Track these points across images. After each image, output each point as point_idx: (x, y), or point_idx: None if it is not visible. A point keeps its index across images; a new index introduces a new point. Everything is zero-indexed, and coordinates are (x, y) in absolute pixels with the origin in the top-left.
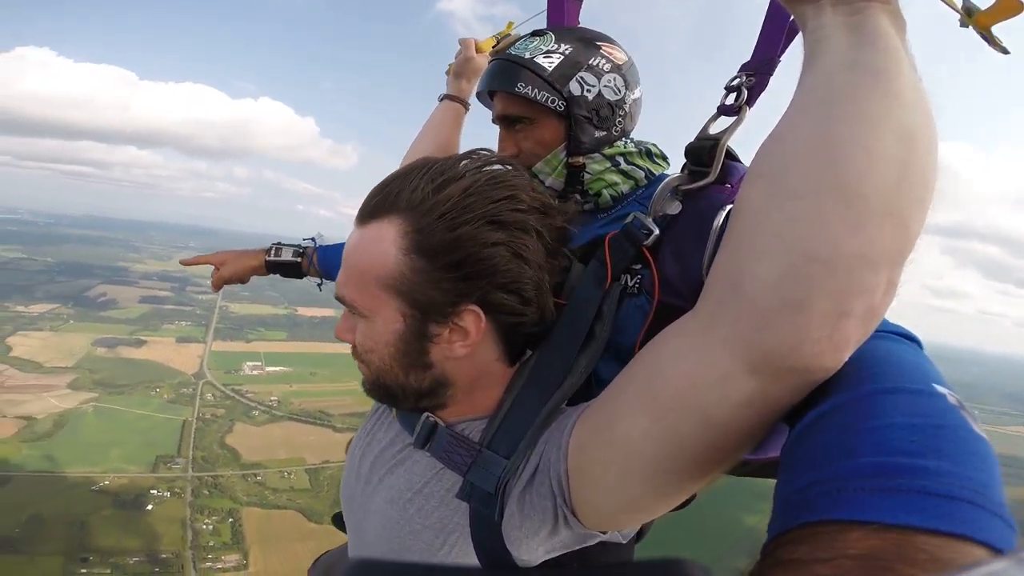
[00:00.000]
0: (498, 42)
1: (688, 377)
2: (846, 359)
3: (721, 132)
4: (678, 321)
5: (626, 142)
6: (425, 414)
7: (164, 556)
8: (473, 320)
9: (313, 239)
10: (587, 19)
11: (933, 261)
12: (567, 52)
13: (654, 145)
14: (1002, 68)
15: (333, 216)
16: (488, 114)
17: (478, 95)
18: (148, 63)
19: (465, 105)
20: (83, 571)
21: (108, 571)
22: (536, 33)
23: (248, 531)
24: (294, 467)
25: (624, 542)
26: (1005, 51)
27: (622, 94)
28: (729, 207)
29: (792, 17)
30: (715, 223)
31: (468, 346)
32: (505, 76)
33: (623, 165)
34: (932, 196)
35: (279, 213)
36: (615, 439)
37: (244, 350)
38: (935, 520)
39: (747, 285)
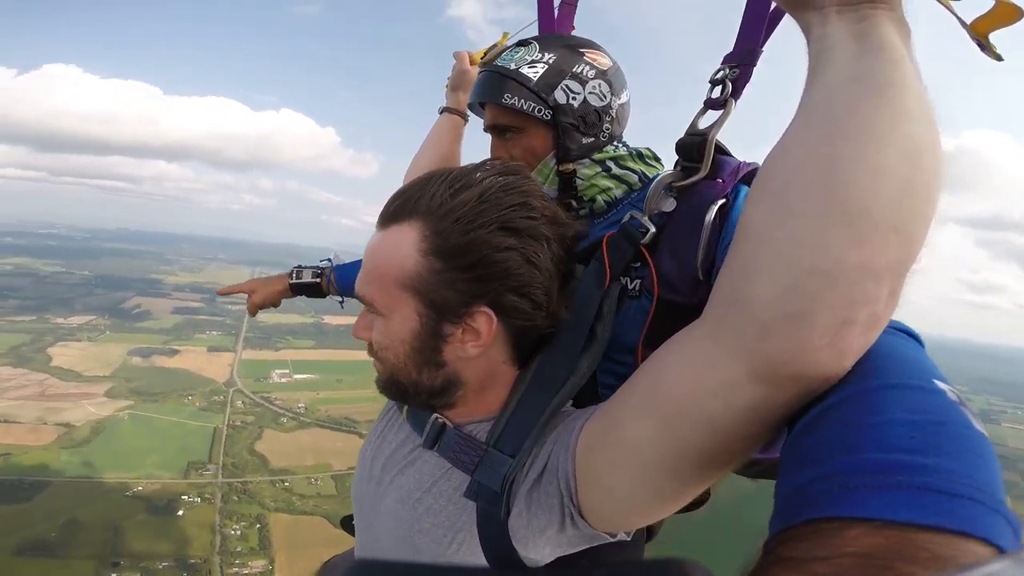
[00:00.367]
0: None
1: (693, 384)
2: (850, 366)
3: (709, 127)
4: (684, 329)
5: (616, 146)
6: (434, 415)
7: (192, 561)
8: (485, 321)
9: (329, 259)
10: (580, 21)
11: (969, 254)
12: (551, 61)
13: (647, 148)
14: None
15: (355, 224)
16: None
17: (469, 106)
18: (172, 78)
19: (464, 117)
20: (113, 575)
21: (137, 575)
22: (521, 43)
23: (275, 536)
24: (321, 473)
25: (628, 539)
26: (999, 58)
27: (608, 99)
28: (721, 201)
29: (773, 6)
30: (707, 218)
31: (480, 346)
32: (492, 87)
33: (614, 170)
34: (935, 208)
35: (303, 223)
36: (622, 442)
37: (273, 358)
38: (936, 517)
39: (750, 300)
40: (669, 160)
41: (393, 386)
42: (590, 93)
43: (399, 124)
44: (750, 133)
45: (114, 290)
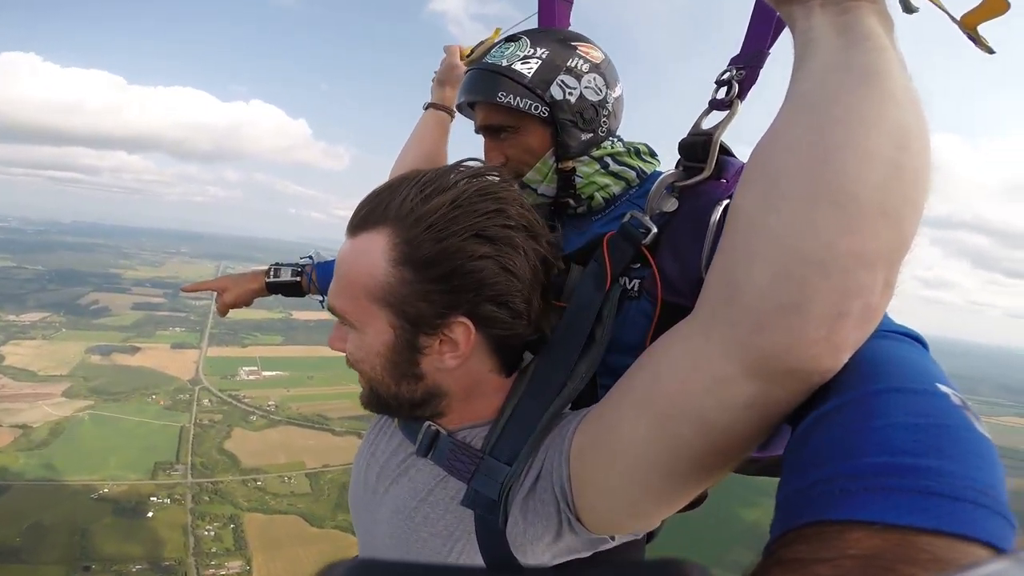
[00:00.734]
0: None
1: (686, 382)
2: (845, 360)
3: (714, 127)
4: (676, 326)
5: (613, 142)
6: (426, 423)
7: (167, 563)
8: (463, 332)
9: (311, 257)
10: (576, 17)
11: (923, 252)
12: (544, 56)
13: (644, 144)
14: (986, 59)
15: (326, 218)
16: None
17: (458, 106)
18: (137, 68)
19: (451, 113)
20: None
21: None
22: (510, 39)
23: (250, 537)
24: (294, 471)
25: (632, 539)
26: (990, 51)
27: (604, 93)
28: (726, 202)
29: None
30: (712, 219)
31: (458, 357)
32: (485, 86)
33: (612, 166)
34: (926, 195)
35: (271, 216)
36: (615, 444)
37: (240, 355)
38: (937, 520)
39: (743, 289)
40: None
41: (375, 400)
42: (586, 88)
43: (375, 117)
44: (751, 135)
45: (70, 285)
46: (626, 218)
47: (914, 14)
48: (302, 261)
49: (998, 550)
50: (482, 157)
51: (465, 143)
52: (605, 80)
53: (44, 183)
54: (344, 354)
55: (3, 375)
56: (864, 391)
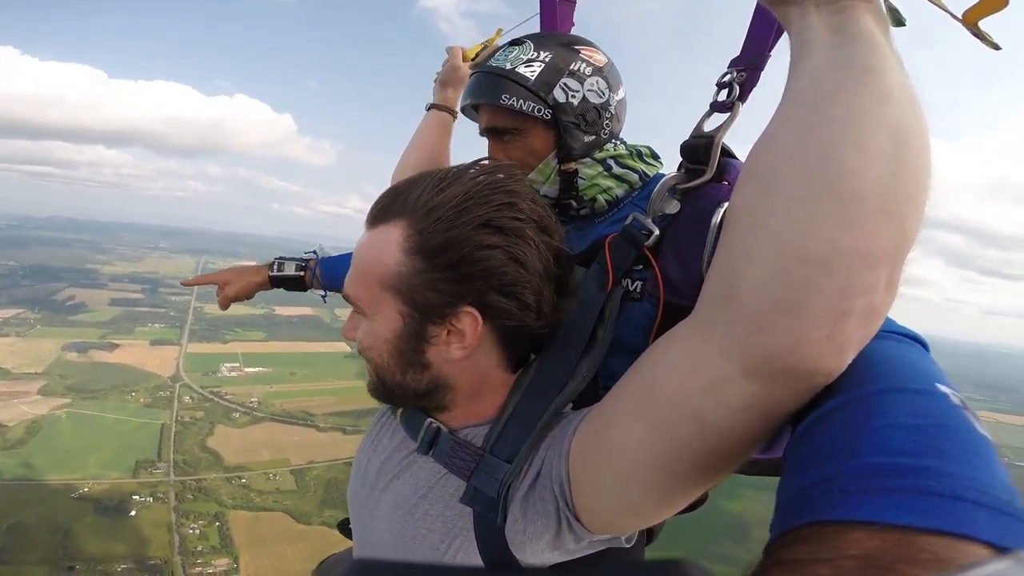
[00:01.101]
0: (485, 49)
1: (684, 383)
2: (850, 360)
3: (715, 129)
4: (675, 327)
5: (616, 144)
6: (428, 420)
7: (153, 561)
8: (470, 323)
9: (315, 252)
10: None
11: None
12: (547, 59)
13: (646, 147)
14: (962, 60)
15: (309, 213)
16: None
17: (462, 109)
18: (118, 62)
19: (453, 114)
20: None
21: None
22: (514, 43)
23: (236, 534)
24: (279, 468)
25: (628, 545)
26: (996, 47)
27: (606, 96)
28: (727, 204)
29: None
30: (713, 221)
31: (464, 348)
32: (489, 89)
33: (615, 168)
34: (927, 193)
35: (254, 211)
36: (613, 445)
37: (221, 351)
38: (937, 520)
39: (741, 288)
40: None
41: (380, 388)
42: (588, 90)
43: (362, 113)
44: (753, 136)
45: (44, 281)
46: (628, 220)
47: (904, 26)
48: (306, 255)
49: (999, 550)
50: (495, 158)
51: (467, 145)
52: (608, 83)
53: (20, 178)
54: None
55: None
56: (864, 391)
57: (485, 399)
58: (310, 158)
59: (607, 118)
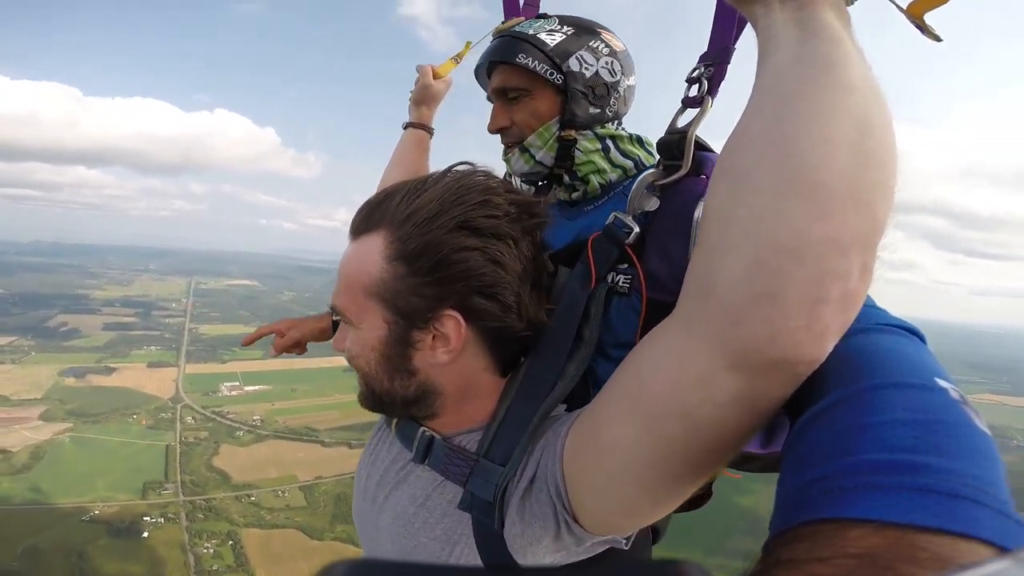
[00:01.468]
0: (457, 63)
1: (670, 380)
2: (830, 348)
3: (688, 124)
4: (659, 324)
5: (617, 125)
6: (421, 429)
7: None
8: (454, 326)
9: None
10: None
11: (887, 235)
12: (569, 32)
13: (644, 136)
14: (935, 48)
15: (297, 228)
16: (459, 132)
17: (476, 72)
18: (92, 79)
19: (429, 131)
20: None
21: None
22: (541, 16)
23: (251, 553)
24: (287, 485)
25: (626, 547)
26: (938, 39)
27: (618, 77)
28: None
29: None
30: (695, 216)
31: (450, 352)
32: (507, 49)
33: (613, 151)
34: (894, 179)
35: (241, 228)
36: (605, 445)
37: (220, 371)
38: (937, 518)
39: (718, 282)
40: None
41: (370, 397)
42: (602, 67)
43: (345, 123)
44: (729, 128)
45: (35, 308)
46: (610, 219)
47: (854, 4)
48: None
49: (999, 548)
50: (472, 161)
51: (446, 162)
52: (621, 66)
53: (0, 202)
54: (344, 355)
55: None
56: (861, 387)
57: (475, 404)
58: (295, 171)
59: (615, 96)
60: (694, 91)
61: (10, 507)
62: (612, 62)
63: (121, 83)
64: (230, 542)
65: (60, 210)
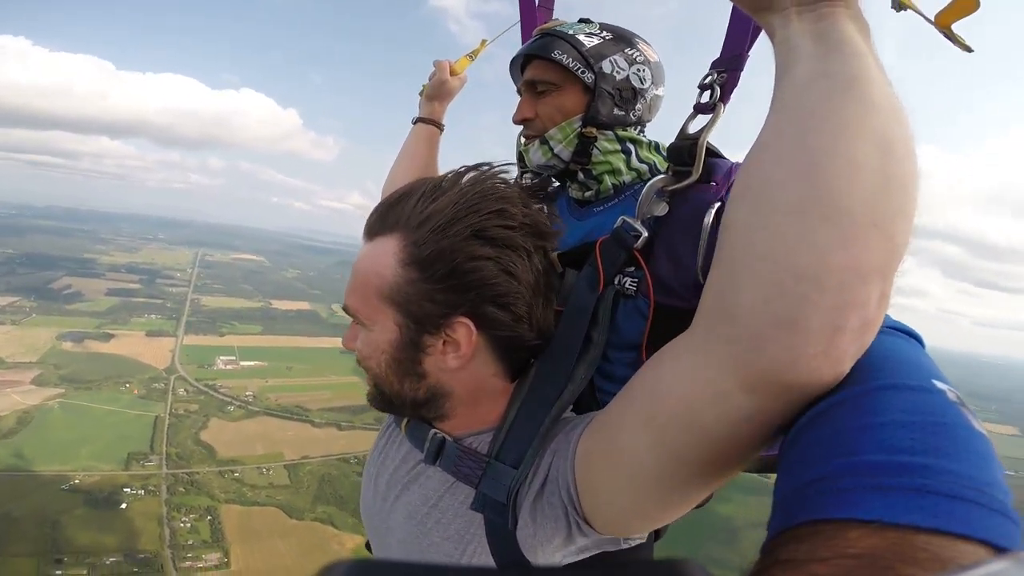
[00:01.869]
0: (472, 60)
1: (686, 396)
2: (846, 371)
3: (699, 131)
4: (677, 338)
5: (639, 130)
6: (432, 430)
7: (142, 555)
8: (465, 333)
9: None
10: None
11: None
12: (607, 38)
13: (662, 143)
14: (967, 70)
15: (310, 208)
16: (478, 126)
17: (511, 64)
18: (127, 54)
19: (440, 127)
20: (58, 572)
21: (84, 572)
22: (583, 20)
23: (228, 529)
24: (272, 463)
25: (630, 546)
26: (968, 49)
27: (647, 84)
28: (718, 204)
29: None
30: (705, 222)
31: (460, 358)
32: (545, 44)
33: (632, 156)
34: (915, 204)
35: (253, 205)
36: (618, 453)
37: (217, 344)
38: (935, 519)
39: (739, 306)
40: None
41: (379, 397)
42: (633, 73)
43: (367, 110)
44: (742, 136)
45: (41, 269)
46: (618, 223)
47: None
48: None
49: (998, 549)
50: (491, 161)
51: (455, 160)
52: (652, 76)
53: (21, 167)
54: (355, 352)
55: None
56: (860, 388)
57: (485, 407)
58: (313, 153)
59: (640, 103)
60: (706, 97)
61: None
62: (644, 70)
63: (153, 58)
64: (208, 517)
65: (80, 178)
